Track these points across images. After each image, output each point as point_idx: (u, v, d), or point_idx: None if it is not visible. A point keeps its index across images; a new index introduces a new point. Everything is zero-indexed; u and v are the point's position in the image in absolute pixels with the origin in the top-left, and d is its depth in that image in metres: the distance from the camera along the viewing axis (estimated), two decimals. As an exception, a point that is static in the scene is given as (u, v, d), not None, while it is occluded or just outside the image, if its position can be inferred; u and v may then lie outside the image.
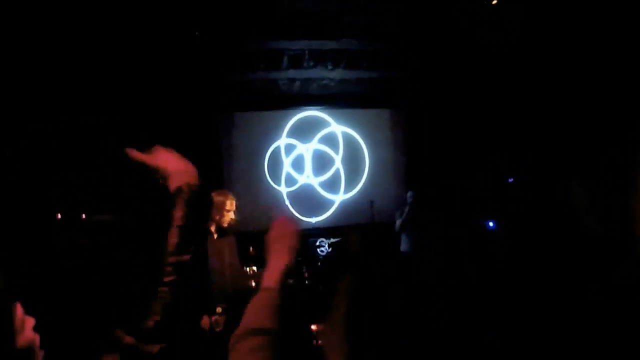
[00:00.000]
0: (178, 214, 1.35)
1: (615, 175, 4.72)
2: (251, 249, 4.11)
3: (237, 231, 3.65)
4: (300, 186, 6.06)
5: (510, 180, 6.10)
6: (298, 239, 1.25)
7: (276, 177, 6.03)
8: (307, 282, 4.80)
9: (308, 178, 6.09)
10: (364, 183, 6.16)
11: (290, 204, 6.01)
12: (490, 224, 6.00)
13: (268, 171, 6.00)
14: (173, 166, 1.40)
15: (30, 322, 1.12)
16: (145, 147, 1.45)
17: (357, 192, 6.13)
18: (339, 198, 6.06)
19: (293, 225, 1.31)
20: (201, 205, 1.39)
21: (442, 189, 6.11)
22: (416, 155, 6.39)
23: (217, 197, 3.40)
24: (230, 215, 3.41)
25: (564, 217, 5.02)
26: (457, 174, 6.16)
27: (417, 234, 5.41)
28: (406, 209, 5.45)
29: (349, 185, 6.10)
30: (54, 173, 4.75)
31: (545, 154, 5.60)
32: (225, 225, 3.40)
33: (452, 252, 5.31)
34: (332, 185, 6.07)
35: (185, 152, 4.61)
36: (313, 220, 5.99)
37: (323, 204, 6.06)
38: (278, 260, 1.24)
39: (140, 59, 5.02)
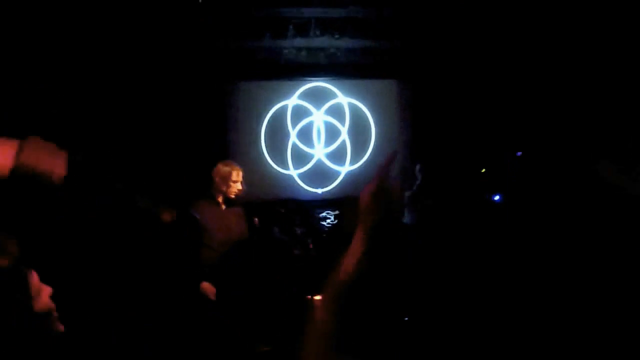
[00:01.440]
0: None
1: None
2: (256, 220, 4.09)
3: (245, 202, 3.64)
4: (308, 158, 5.97)
5: (519, 153, 6.02)
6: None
7: (282, 149, 5.94)
8: (312, 253, 4.78)
9: (314, 149, 5.99)
10: (370, 154, 6.07)
11: (297, 175, 5.94)
12: (496, 197, 5.94)
13: (266, 144, 5.90)
14: None
15: (47, 290, 1.12)
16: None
17: (363, 163, 6.05)
18: (344, 169, 6.01)
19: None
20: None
21: (449, 162, 6.03)
22: (423, 127, 6.28)
23: (223, 168, 3.41)
24: (237, 186, 3.41)
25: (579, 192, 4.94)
26: (465, 147, 6.07)
27: (422, 206, 5.36)
28: (416, 182, 5.40)
29: (355, 157, 6.04)
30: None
31: (557, 128, 5.51)
32: (232, 196, 3.41)
33: (457, 225, 5.30)
34: (338, 156, 6.00)
35: (190, 121, 4.60)
36: (319, 191, 5.94)
37: (329, 175, 6.00)
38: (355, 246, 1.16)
39: (145, 27, 4.94)
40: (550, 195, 5.36)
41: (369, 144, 6.08)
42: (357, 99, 6.04)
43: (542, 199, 5.28)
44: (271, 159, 5.89)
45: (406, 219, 5.44)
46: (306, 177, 5.97)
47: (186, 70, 5.36)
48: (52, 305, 1.11)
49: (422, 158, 5.70)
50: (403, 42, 5.79)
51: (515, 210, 5.67)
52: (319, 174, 5.99)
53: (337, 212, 5.66)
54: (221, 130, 5.72)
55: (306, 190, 5.95)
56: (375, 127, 6.08)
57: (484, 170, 5.99)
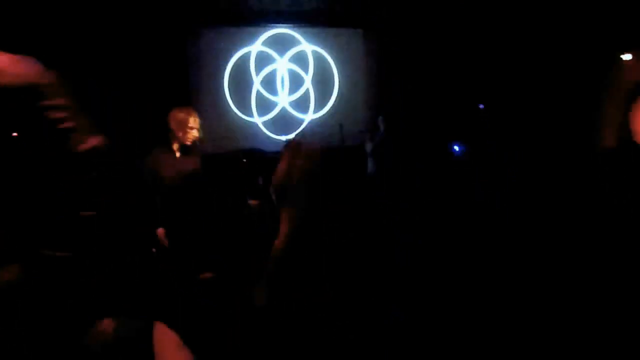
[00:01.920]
0: None
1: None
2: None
3: (202, 151, 3.51)
4: (272, 106, 5.94)
5: (481, 106, 6.20)
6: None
7: (246, 97, 5.86)
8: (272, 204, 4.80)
9: (278, 97, 5.95)
10: (333, 103, 6.09)
11: (262, 123, 5.92)
12: (456, 148, 6.10)
13: (230, 91, 5.81)
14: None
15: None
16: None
17: (327, 111, 6.07)
18: (308, 117, 6.04)
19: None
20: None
21: (411, 113, 6.10)
22: (387, 79, 6.27)
23: (179, 114, 3.28)
24: (193, 133, 3.28)
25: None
26: (428, 99, 6.13)
27: (385, 157, 5.43)
28: (379, 134, 5.44)
29: (319, 105, 6.06)
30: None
31: (521, 81, 5.60)
32: (189, 142, 3.28)
33: (418, 175, 5.47)
34: (302, 104, 6.01)
35: (152, 69, 4.45)
36: (283, 138, 5.96)
37: (293, 123, 6.03)
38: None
39: None
40: (513, 149, 5.51)
41: (332, 93, 6.08)
42: (321, 47, 5.97)
43: (505, 152, 5.42)
44: (235, 106, 5.82)
45: (369, 169, 5.53)
46: (270, 125, 5.98)
47: (148, 16, 5.13)
48: None
49: (386, 109, 5.72)
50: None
51: (478, 162, 5.87)
52: (283, 122, 5.99)
53: None
54: (183, 78, 5.54)
55: (270, 138, 5.95)
56: (338, 76, 6.06)
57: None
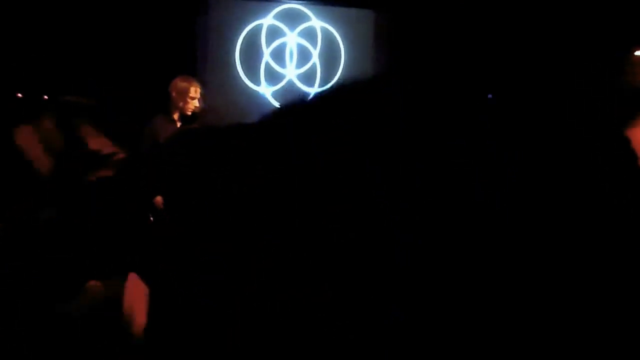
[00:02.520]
0: None
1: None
2: None
3: (204, 121, 3.47)
4: (280, 77, 6.05)
5: (490, 96, 5.99)
6: None
7: (255, 67, 5.95)
8: None
9: (286, 69, 6.05)
10: (338, 79, 6.14)
11: (270, 94, 6.03)
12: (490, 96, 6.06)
13: (240, 61, 5.87)
14: None
15: None
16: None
17: (332, 86, 6.08)
18: (314, 90, 6.13)
19: None
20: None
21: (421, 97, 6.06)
22: (396, 62, 6.19)
23: (180, 83, 3.32)
24: (194, 103, 3.32)
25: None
26: (438, 84, 6.08)
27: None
28: None
29: (325, 80, 6.11)
30: (17, 51, 4.62)
31: (533, 72, 5.52)
32: (189, 113, 3.31)
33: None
34: (308, 78, 6.11)
35: (158, 39, 4.50)
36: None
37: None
38: None
39: None
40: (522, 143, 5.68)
41: (338, 69, 6.13)
42: (330, 24, 6.01)
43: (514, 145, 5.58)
44: (245, 75, 5.90)
45: None
46: (277, 95, 6.04)
47: None
48: None
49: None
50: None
51: (486, 154, 5.87)
52: (290, 94, 6.05)
53: None
54: (190, 50, 5.53)
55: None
56: (345, 53, 6.11)
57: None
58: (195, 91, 3.31)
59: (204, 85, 3.70)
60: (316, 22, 5.95)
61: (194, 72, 5.39)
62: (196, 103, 3.33)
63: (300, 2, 5.88)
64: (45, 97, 4.75)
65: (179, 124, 3.32)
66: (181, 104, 3.27)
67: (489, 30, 5.81)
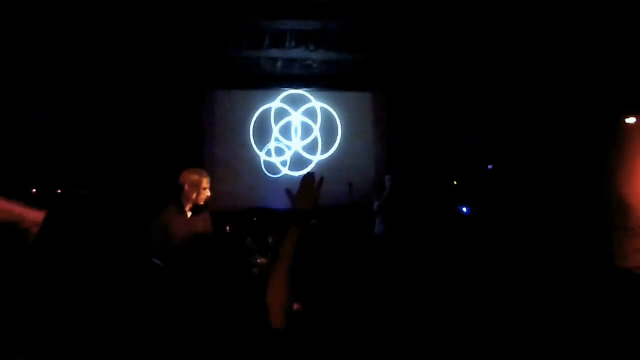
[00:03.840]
0: None
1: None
2: (227, 227, 4.30)
3: (213, 208, 3.64)
4: (288, 149, 6.84)
5: (490, 167, 6.45)
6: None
7: (266, 142, 6.82)
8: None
9: (292, 142, 6.86)
10: (336, 148, 6.95)
11: (280, 163, 6.80)
12: (464, 209, 6.47)
13: (253, 136, 6.66)
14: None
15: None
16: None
17: (331, 154, 6.96)
18: (317, 158, 6.97)
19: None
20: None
21: (420, 174, 6.48)
22: (396, 140, 6.81)
23: (192, 176, 3.34)
24: (207, 194, 3.38)
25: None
26: (436, 160, 6.58)
27: (392, 217, 5.60)
28: (384, 193, 5.68)
29: (325, 149, 6.99)
30: (31, 147, 5.00)
31: (526, 144, 5.84)
32: (202, 203, 3.39)
33: (425, 235, 5.68)
34: (311, 148, 6.98)
35: (165, 130, 4.97)
36: (296, 174, 6.75)
37: (304, 163, 6.97)
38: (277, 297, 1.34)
39: (123, 36, 5.14)
40: (520, 209, 5.62)
41: (336, 141, 6.97)
42: (328, 104, 6.95)
43: (511, 212, 5.52)
44: (257, 148, 6.75)
45: (377, 229, 5.67)
46: (285, 164, 6.82)
47: (161, 77, 5.78)
48: None
49: (393, 169, 5.98)
50: (379, 55, 6.12)
51: (485, 223, 6.03)
52: (297, 162, 6.88)
53: (314, 222, 6.07)
54: (195, 139, 6.24)
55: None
56: (341, 127, 6.98)
57: (455, 183, 6.48)
58: (207, 182, 3.37)
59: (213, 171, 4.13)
60: (316, 103, 6.89)
61: (202, 152, 6.24)
62: (208, 193, 3.39)
63: (300, 89, 6.76)
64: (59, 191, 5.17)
65: (189, 214, 3.37)
66: (194, 195, 3.32)
67: (480, 103, 6.25)
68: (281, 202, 6.54)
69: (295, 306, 3.88)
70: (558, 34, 4.98)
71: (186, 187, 3.32)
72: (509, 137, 6.12)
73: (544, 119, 5.61)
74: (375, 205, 5.71)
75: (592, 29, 4.68)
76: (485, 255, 4.87)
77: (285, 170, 6.71)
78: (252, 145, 6.66)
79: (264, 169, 6.67)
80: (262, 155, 6.67)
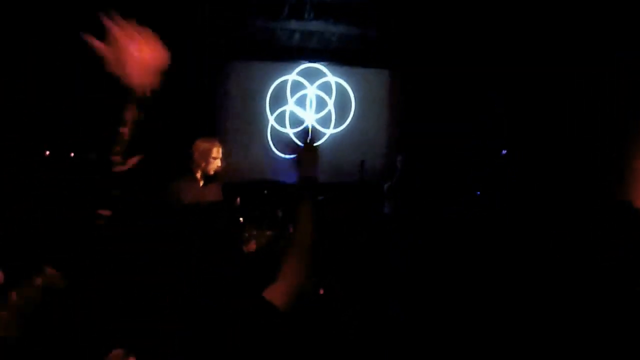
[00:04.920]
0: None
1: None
2: (238, 199, 4.22)
3: (225, 180, 3.60)
4: (301, 122, 6.88)
5: (504, 152, 6.30)
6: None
7: (281, 114, 6.81)
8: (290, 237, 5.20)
9: (306, 115, 6.90)
10: (349, 122, 6.90)
11: (293, 134, 6.78)
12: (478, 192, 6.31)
13: (270, 108, 6.70)
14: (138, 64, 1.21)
15: None
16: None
17: (343, 128, 6.92)
18: (329, 132, 6.96)
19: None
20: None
21: (433, 156, 6.40)
22: (410, 119, 6.71)
23: (202, 144, 3.35)
24: (216, 163, 3.35)
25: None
26: (450, 144, 6.43)
27: (402, 197, 5.56)
28: (397, 173, 5.61)
29: (338, 123, 6.95)
30: (44, 110, 4.89)
31: (546, 125, 5.69)
32: (212, 172, 3.36)
33: (435, 217, 5.71)
34: (325, 121, 6.98)
35: (179, 102, 4.93)
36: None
37: (316, 135, 6.73)
38: (291, 277, 1.26)
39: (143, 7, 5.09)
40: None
41: (349, 115, 6.93)
42: (343, 79, 6.87)
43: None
44: (274, 122, 6.75)
45: (386, 209, 5.62)
46: (299, 136, 6.65)
47: (176, 46, 5.63)
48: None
49: (406, 149, 5.94)
50: (398, 32, 6.07)
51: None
52: (309, 134, 6.71)
53: (319, 198, 6.02)
54: (209, 109, 6.17)
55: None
56: (355, 103, 6.91)
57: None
58: (217, 151, 3.35)
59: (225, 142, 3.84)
60: (331, 78, 6.83)
61: (215, 125, 6.23)
62: (218, 162, 3.36)
63: (319, 61, 6.66)
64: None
65: (201, 182, 3.37)
66: (204, 164, 3.31)
67: (499, 85, 6.08)
68: (292, 177, 6.44)
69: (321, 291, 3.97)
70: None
71: (196, 154, 3.32)
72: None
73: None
74: (386, 185, 5.66)
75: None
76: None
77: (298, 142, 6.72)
78: (267, 117, 6.65)
79: (273, 148, 6.68)
80: (275, 125, 6.69)
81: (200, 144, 3.33)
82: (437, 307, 3.79)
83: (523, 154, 5.90)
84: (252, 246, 3.42)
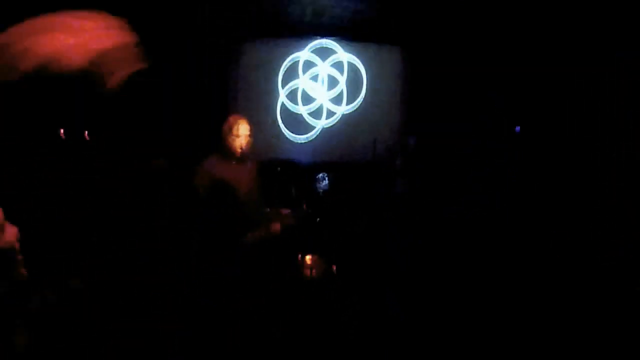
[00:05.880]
0: None
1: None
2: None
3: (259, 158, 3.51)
4: (313, 99, 6.84)
5: (518, 129, 6.24)
6: None
7: (293, 92, 6.79)
8: (304, 214, 5.28)
9: (319, 93, 6.83)
10: (361, 101, 6.85)
11: (306, 112, 6.79)
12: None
13: (282, 85, 6.68)
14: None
15: (13, 229, 1.15)
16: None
17: (356, 106, 6.85)
18: (341, 109, 6.89)
19: None
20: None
21: (443, 137, 6.33)
22: (421, 98, 6.62)
23: (227, 122, 3.29)
24: (240, 141, 3.24)
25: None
26: (460, 123, 6.37)
27: (413, 177, 5.64)
28: (408, 151, 5.71)
29: (350, 101, 6.89)
30: (59, 91, 4.87)
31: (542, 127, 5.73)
32: (238, 150, 3.27)
33: (444, 198, 5.73)
34: (337, 100, 6.92)
35: (191, 83, 4.77)
36: (319, 124, 6.77)
37: (329, 114, 6.93)
38: None
39: None
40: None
41: (361, 93, 6.86)
42: (356, 56, 6.80)
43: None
44: (286, 99, 6.74)
45: (398, 187, 5.68)
46: (311, 114, 6.82)
47: (184, 26, 5.68)
48: (15, 243, 1.09)
49: (417, 130, 6.03)
50: (409, 9, 5.97)
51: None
52: (321, 112, 6.86)
53: (332, 175, 5.91)
54: (222, 88, 6.17)
55: (310, 123, 6.78)
56: (367, 81, 6.85)
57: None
58: (237, 129, 3.24)
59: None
60: (343, 55, 6.75)
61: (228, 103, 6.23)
62: (242, 140, 3.24)
63: (331, 38, 6.59)
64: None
65: (233, 162, 3.29)
66: (227, 142, 3.24)
67: (510, 71, 5.94)
68: (304, 157, 6.61)
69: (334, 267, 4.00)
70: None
71: (223, 132, 3.26)
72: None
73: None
74: (398, 163, 5.71)
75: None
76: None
77: (309, 120, 6.71)
78: (279, 96, 6.63)
79: (284, 128, 6.67)
80: (288, 103, 6.67)
81: (227, 121, 3.27)
82: (436, 305, 3.77)
83: (523, 154, 5.87)
84: (277, 227, 3.38)
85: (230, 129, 3.22)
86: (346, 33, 6.51)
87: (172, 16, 5.50)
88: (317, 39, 6.59)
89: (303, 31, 6.43)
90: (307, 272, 4.21)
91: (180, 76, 5.70)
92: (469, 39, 6.17)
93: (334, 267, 4.32)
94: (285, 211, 3.76)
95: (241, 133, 3.23)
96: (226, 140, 3.23)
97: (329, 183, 5.72)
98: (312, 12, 6.11)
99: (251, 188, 3.31)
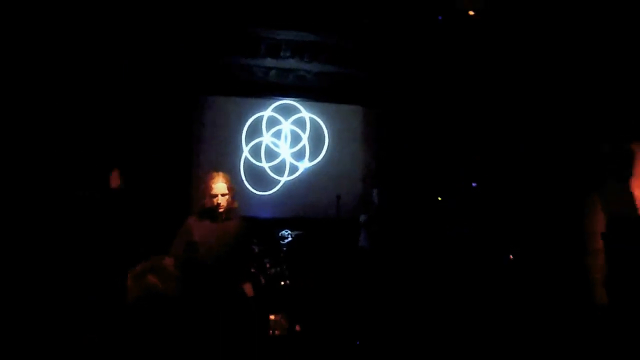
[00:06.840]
0: None
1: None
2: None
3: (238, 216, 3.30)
4: (276, 155, 6.93)
5: (474, 184, 6.39)
6: None
7: (257, 148, 6.89)
8: (267, 272, 5.10)
9: (281, 149, 6.96)
10: (323, 156, 7.00)
11: (269, 168, 6.87)
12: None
13: (245, 143, 6.75)
14: None
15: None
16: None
17: (318, 162, 7.00)
18: (304, 165, 7.02)
19: None
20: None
21: (407, 190, 6.51)
22: (384, 155, 6.88)
23: (204, 180, 3.18)
24: (216, 200, 3.08)
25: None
26: (424, 178, 6.60)
27: (377, 231, 5.62)
28: (373, 206, 5.76)
29: (312, 156, 7.05)
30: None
31: (517, 160, 5.79)
32: (221, 210, 3.10)
33: (409, 250, 5.69)
34: (299, 155, 7.07)
35: (155, 136, 4.89)
36: (282, 179, 6.84)
37: (292, 169, 7.03)
38: None
39: (120, 45, 5.15)
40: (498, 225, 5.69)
41: (323, 149, 7.03)
42: (318, 116, 7.03)
43: (494, 228, 5.62)
44: (250, 156, 6.80)
45: (362, 242, 5.70)
46: (274, 169, 6.88)
47: (152, 82, 5.73)
48: None
49: (381, 184, 6.11)
50: (372, 70, 6.30)
51: (467, 239, 5.78)
52: (284, 168, 6.95)
53: (296, 233, 5.94)
54: (185, 144, 6.21)
55: (273, 178, 6.83)
56: (329, 138, 7.04)
57: (439, 199, 6.42)
58: (217, 187, 3.07)
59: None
60: (305, 114, 6.98)
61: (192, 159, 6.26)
62: (219, 200, 3.06)
63: (292, 99, 6.84)
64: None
65: (210, 221, 3.10)
66: (205, 200, 3.09)
67: (470, 121, 6.23)
68: (267, 212, 6.62)
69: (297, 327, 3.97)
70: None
71: (199, 191, 3.15)
72: (508, 136, 5.97)
73: (544, 119, 5.51)
74: (362, 218, 5.74)
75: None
76: (477, 266, 4.92)
77: (272, 174, 6.77)
78: (243, 151, 6.70)
79: (246, 183, 6.69)
80: (250, 158, 6.74)
81: (203, 179, 3.16)
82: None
83: (522, 153, 5.83)
84: (249, 288, 3.28)
85: (205, 187, 3.08)
86: (309, 94, 6.76)
87: (139, 65, 5.52)
88: (280, 99, 6.81)
89: (266, 91, 6.63)
90: (271, 332, 4.18)
91: (142, 127, 5.66)
92: (427, 100, 6.47)
93: (298, 327, 4.29)
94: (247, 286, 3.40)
95: (218, 192, 3.06)
96: (202, 198, 3.10)
97: (292, 240, 5.72)
98: (276, 73, 6.34)
99: (227, 250, 3.09)
